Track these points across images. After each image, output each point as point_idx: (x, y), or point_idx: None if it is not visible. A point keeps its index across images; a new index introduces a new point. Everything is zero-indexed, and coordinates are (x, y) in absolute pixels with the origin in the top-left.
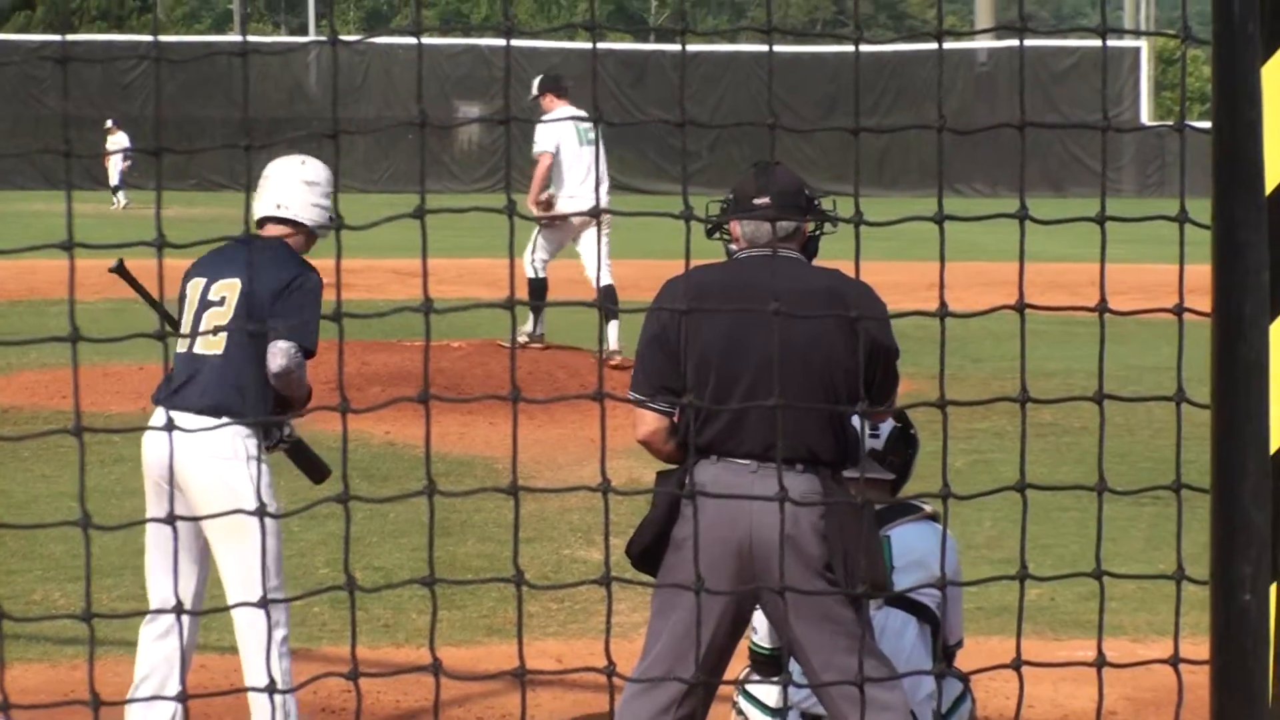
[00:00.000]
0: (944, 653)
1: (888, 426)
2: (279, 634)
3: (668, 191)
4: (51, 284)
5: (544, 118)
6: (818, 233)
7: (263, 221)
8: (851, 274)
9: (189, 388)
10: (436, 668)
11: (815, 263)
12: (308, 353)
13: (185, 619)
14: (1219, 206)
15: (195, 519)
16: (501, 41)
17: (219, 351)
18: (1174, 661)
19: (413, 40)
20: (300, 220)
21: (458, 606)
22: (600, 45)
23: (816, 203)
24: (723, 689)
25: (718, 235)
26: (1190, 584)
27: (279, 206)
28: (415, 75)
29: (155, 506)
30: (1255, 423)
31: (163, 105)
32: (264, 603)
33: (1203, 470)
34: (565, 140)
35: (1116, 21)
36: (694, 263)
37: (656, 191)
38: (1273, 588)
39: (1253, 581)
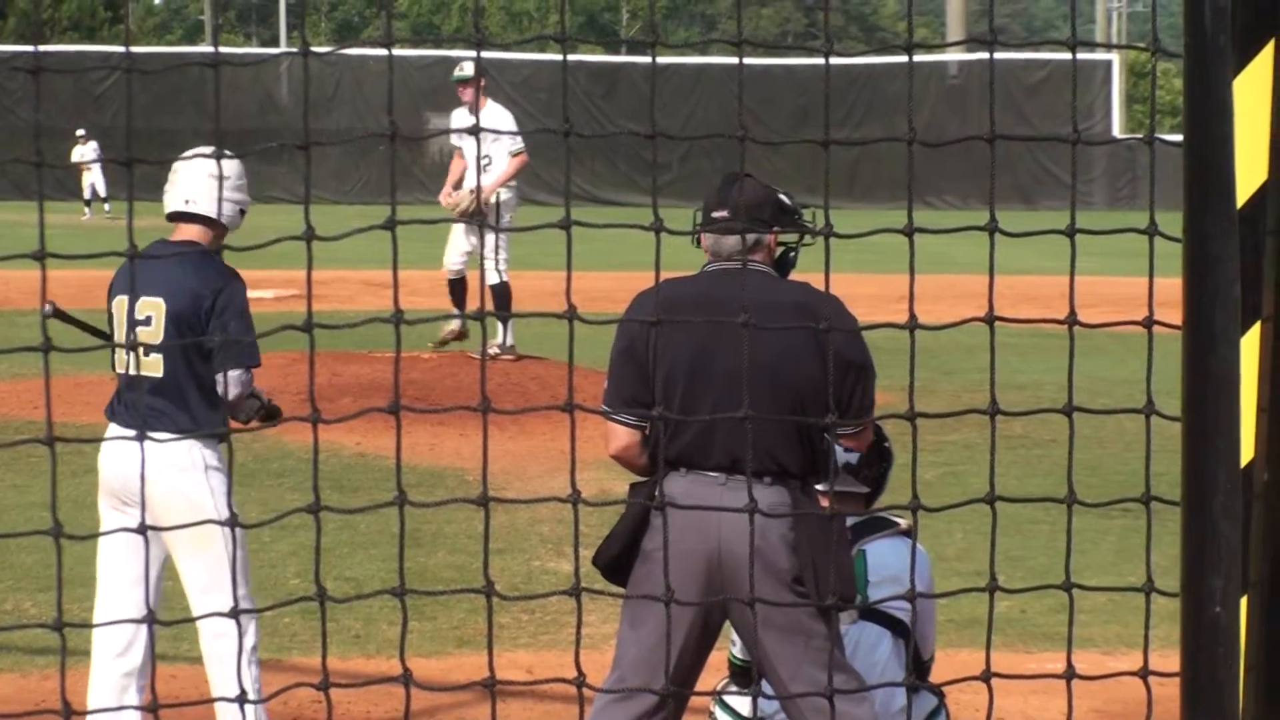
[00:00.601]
0: (917, 667)
1: None
2: (249, 642)
3: (639, 203)
4: (23, 294)
5: (485, 111)
6: (794, 246)
7: (174, 216)
8: (822, 287)
9: (137, 408)
10: (407, 678)
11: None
12: (250, 365)
13: (146, 633)
14: (1190, 220)
15: (151, 529)
16: (473, 53)
17: (158, 374)
18: (1144, 674)
19: (384, 52)
20: (209, 215)
21: (428, 617)
22: (571, 57)
23: (798, 216)
24: (699, 700)
25: (700, 245)
26: (1161, 596)
27: (187, 202)
28: (386, 86)
29: (111, 524)
30: (1226, 436)
31: (135, 116)
32: (235, 613)
33: (1173, 483)
34: None
35: (1088, 35)
36: (664, 274)
37: (627, 203)
38: (1243, 600)
39: (1223, 594)
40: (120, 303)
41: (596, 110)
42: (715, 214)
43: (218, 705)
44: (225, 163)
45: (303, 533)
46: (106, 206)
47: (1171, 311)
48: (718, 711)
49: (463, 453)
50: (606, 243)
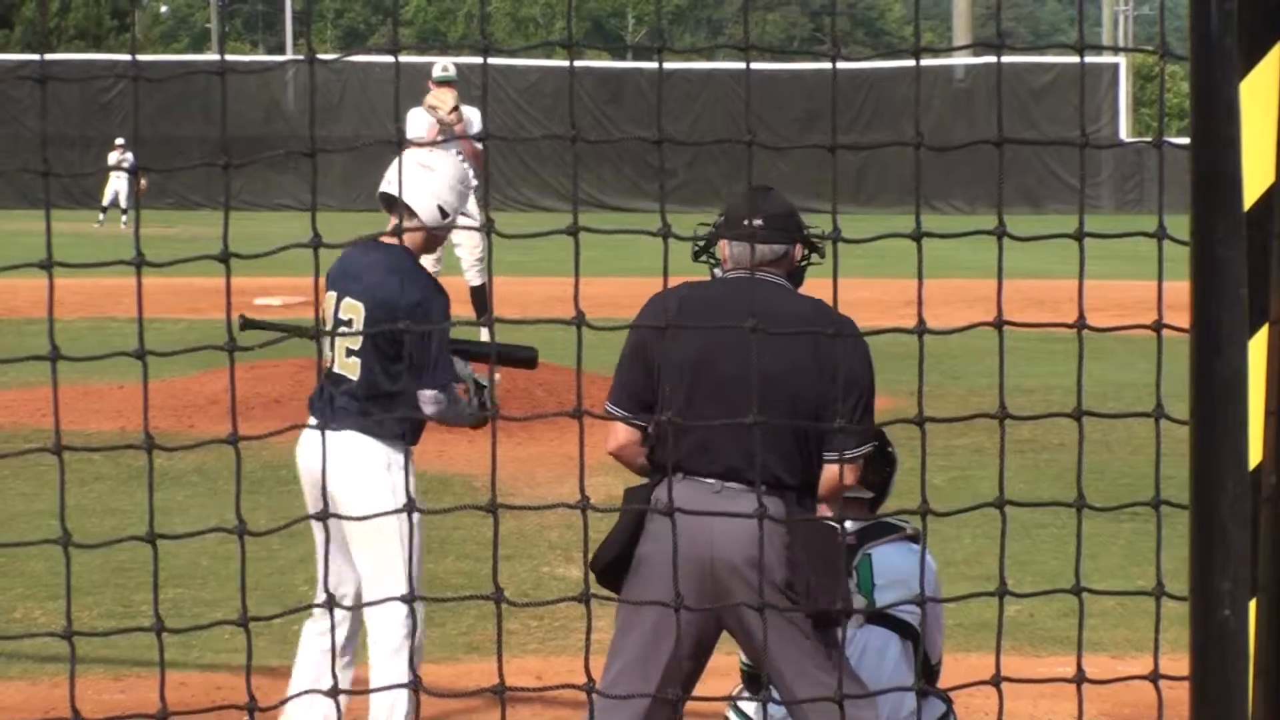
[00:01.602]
0: (926, 671)
1: None
2: (406, 633)
3: (646, 209)
4: (31, 303)
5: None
6: (805, 262)
7: (381, 199)
8: (830, 292)
9: (333, 406)
10: (416, 685)
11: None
12: (448, 384)
13: (341, 615)
14: (1197, 223)
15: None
16: (479, 59)
17: (355, 377)
18: (1154, 678)
19: (390, 58)
20: (405, 201)
21: (437, 624)
22: (577, 63)
23: (807, 231)
24: (705, 706)
25: (705, 259)
26: (1170, 600)
27: (387, 182)
28: (393, 93)
29: (312, 508)
30: (1234, 439)
31: (141, 124)
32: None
33: (1182, 486)
34: None
35: (1094, 38)
36: (672, 280)
37: (634, 209)
38: (1252, 603)
39: (1232, 597)
40: (329, 298)
41: (603, 116)
42: (749, 222)
43: (371, 697)
44: (440, 159)
45: (312, 540)
46: (124, 218)
47: (1181, 315)
48: (732, 717)
49: (471, 459)
50: (614, 249)
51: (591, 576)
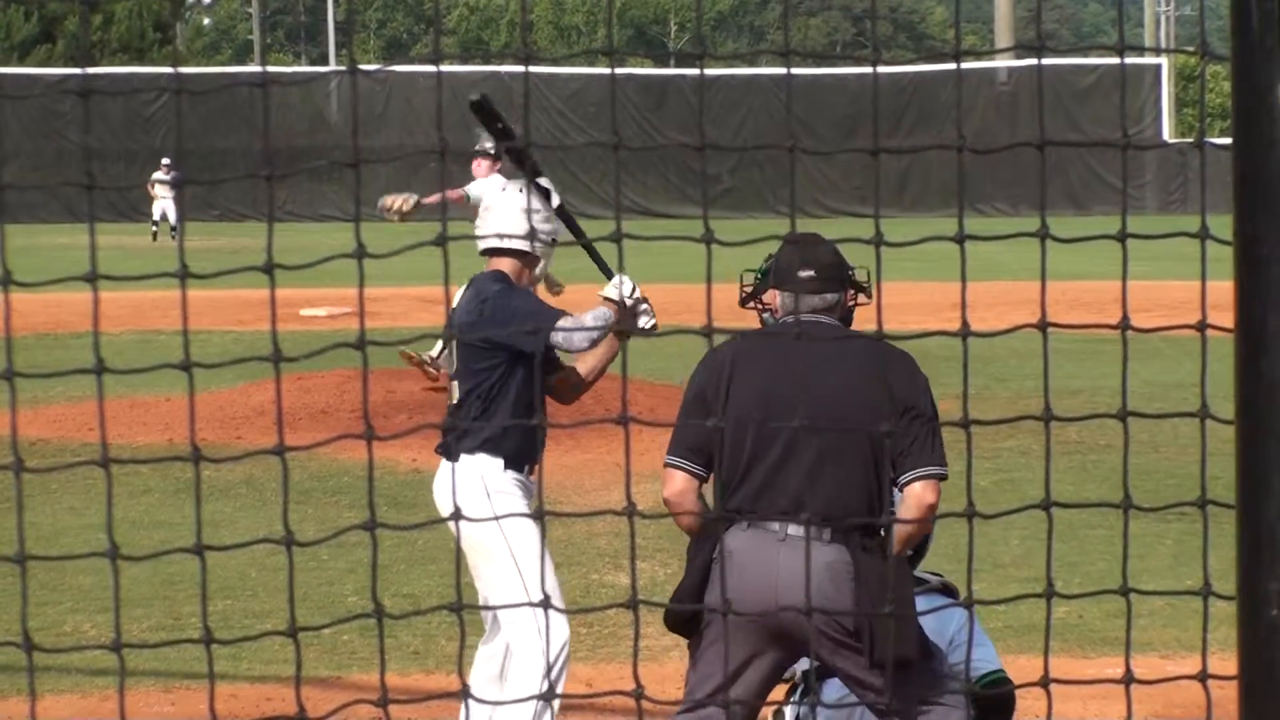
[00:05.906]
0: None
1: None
2: (541, 657)
3: (690, 215)
4: (77, 316)
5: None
6: (854, 304)
7: (489, 252)
8: (876, 301)
9: (445, 436)
10: (465, 693)
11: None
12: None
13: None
14: (1240, 222)
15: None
16: (521, 68)
17: (454, 402)
18: (1203, 678)
19: (433, 68)
20: (525, 250)
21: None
22: (620, 70)
23: (851, 272)
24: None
25: (752, 305)
26: (1218, 600)
27: (502, 239)
28: (436, 103)
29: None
30: (1279, 438)
31: (185, 137)
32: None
33: (1229, 486)
34: None
35: (1136, 39)
36: (715, 285)
37: (678, 215)
38: None
39: None
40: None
41: (646, 123)
42: (801, 275)
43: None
44: (534, 199)
45: (360, 550)
46: (172, 235)
47: (1225, 314)
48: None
49: None
50: (658, 255)
51: (642, 583)
